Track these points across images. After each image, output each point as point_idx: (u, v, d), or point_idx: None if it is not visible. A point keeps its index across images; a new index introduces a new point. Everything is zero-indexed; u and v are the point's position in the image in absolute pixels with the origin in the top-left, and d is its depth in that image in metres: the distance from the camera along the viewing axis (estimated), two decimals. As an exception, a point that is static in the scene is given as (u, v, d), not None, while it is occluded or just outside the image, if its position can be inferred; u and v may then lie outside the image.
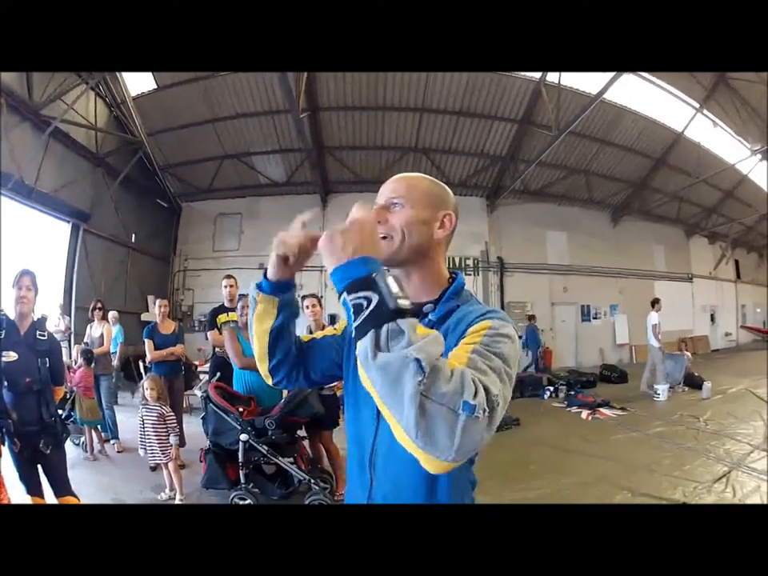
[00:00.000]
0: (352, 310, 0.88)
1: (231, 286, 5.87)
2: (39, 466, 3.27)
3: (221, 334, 5.60)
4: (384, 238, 1.23)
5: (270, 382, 1.43)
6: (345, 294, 0.90)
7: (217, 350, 5.76)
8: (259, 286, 1.33)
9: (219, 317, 5.74)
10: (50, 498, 3.30)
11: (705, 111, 13.46)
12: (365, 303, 0.87)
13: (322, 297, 5.27)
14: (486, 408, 0.84)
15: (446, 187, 1.35)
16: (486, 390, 0.86)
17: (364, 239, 0.96)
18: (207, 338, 5.91)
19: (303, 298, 4.88)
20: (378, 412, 1.12)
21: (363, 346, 0.85)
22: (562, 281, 16.58)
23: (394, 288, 0.89)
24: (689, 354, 10.32)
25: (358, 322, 0.87)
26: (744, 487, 4.81)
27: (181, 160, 14.23)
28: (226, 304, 5.83)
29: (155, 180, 14.10)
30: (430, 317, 1.22)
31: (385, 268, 1.03)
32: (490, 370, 0.95)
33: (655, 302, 10.36)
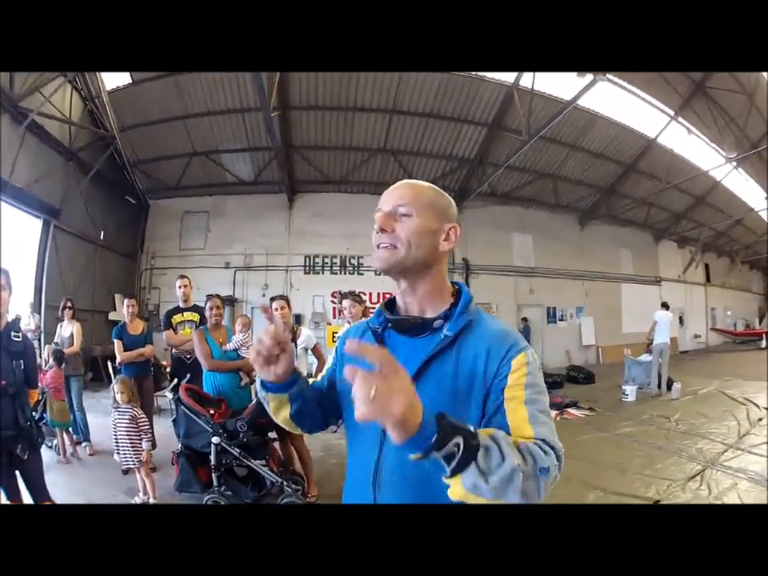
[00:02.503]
0: (443, 459, 0.91)
1: (185, 286, 5.87)
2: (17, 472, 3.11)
3: (176, 333, 5.65)
4: (390, 247, 1.21)
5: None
6: (433, 453, 0.90)
7: (174, 350, 5.74)
8: (263, 385, 1.30)
9: (174, 317, 5.75)
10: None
11: (680, 119, 13.52)
12: (456, 449, 0.90)
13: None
14: (557, 463, 1.02)
15: (451, 199, 1.31)
16: (553, 447, 1.03)
17: (404, 399, 0.88)
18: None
19: (272, 300, 4.87)
20: (382, 432, 1.13)
21: (470, 480, 0.92)
22: (528, 283, 16.76)
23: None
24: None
25: (454, 464, 0.91)
26: (720, 485, 4.89)
27: (151, 156, 14.03)
28: (181, 304, 5.84)
29: (124, 176, 13.85)
30: (445, 332, 1.19)
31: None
32: (545, 415, 1.10)
33: (665, 305, 11.04)
